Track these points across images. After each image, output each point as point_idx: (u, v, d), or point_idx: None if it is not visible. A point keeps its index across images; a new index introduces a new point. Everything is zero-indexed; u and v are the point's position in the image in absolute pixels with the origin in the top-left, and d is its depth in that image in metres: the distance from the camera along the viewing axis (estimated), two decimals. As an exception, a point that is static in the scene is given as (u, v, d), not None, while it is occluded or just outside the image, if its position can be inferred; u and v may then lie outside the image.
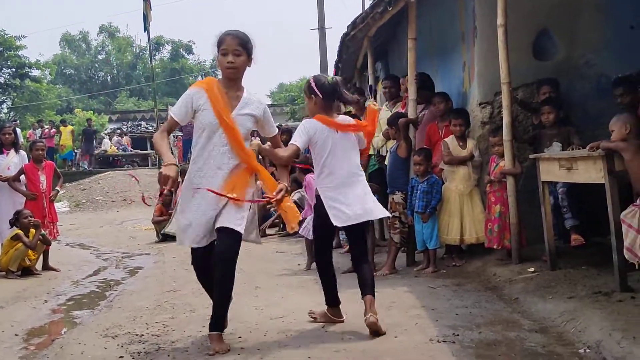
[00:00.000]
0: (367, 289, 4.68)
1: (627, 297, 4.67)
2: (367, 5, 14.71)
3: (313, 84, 4.83)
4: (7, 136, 9.29)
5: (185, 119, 4.55)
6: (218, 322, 4.46)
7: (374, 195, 5.11)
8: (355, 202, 4.74)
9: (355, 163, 4.91)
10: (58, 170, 9.62)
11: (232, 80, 4.49)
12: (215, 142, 4.44)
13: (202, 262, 4.59)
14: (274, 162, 4.90)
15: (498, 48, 6.39)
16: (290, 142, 4.76)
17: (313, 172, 5.12)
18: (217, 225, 4.38)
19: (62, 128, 27.24)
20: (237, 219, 4.40)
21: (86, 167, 26.76)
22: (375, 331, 4.50)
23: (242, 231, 4.40)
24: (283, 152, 4.75)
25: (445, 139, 7.22)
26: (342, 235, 9.05)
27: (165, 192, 11.34)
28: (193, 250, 4.58)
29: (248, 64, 4.50)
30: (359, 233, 4.91)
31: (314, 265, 7.67)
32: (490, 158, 6.95)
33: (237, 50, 4.38)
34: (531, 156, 6.38)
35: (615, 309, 4.44)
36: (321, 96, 4.79)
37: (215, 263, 4.38)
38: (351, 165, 4.86)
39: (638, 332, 3.89)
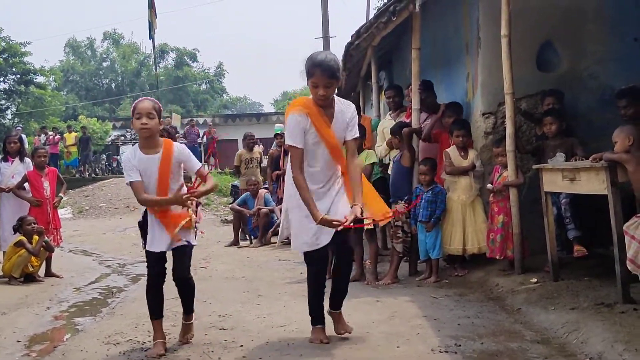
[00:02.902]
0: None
1: (630, 309, 4.66)
2: (371, 15, 14.76)
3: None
4: (12, 145, 9.31)
5: (303, 142, 4.60)
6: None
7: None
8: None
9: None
10: (61, 176, 9.63)
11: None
12: (320, 157, 4.65)
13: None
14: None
15: (502, 59, 6.41)
16: (354, 138, 4.76)
17: None
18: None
19: (66, 135, 27.33)
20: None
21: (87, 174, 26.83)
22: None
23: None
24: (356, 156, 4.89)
25: (447, 149, 7.23)
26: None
27: None
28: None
29: (337, 86, 4.67)
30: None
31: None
32: (494, 168, 6.96)
33: (329, 82, 4.48)
34: (534, 167, 6.39)
35: (617, 321, 4.43)
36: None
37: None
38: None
39: (640, 344, 3.89)
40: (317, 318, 4.76)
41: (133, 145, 4.90)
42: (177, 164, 4.70)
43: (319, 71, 4.45)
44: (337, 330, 4.78)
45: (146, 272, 4.85)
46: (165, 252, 4.77)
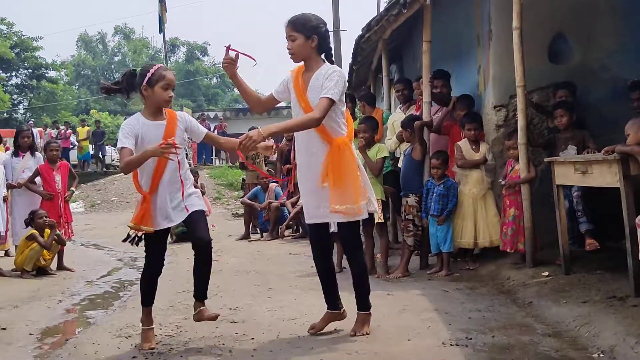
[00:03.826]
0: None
1: (642, 302, 4.64)
2: (382, 8, 14.72)
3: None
4: (25, 139, 9.37)
5: (283, 97, 4.79)
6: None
7: (389, 197, 5.09)
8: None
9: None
10: (73, 170, 9.67)
11: (305, 63, 4.59)
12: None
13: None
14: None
15: (513, 51, 6.37)
16: (321, 97, 4.41)
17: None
18: None
19: (79, 129, 27.44)
20: None
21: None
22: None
23: None
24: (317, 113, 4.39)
25: (458, 143, 7.21)
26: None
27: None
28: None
29: (309, 44, 4.50)
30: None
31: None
32: (507, 161, 6.93)
33: (291, 35, 4.48)
34: (546, 160, 6.36)
35: (629, 314, 4.41)
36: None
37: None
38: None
39: (652, 337, 3.87)
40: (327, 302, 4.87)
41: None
42: (182, 131, 4.63)
43: (285, 24, 4.53)
44: (351, 330, 4.67)
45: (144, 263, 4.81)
46: (166, 242, 4.79)
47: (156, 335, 4.88)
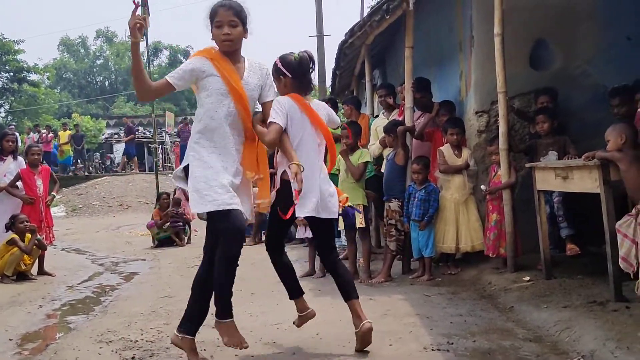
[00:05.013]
0: (351, 292, 4.49)
1: (622, 307, 4.67)
2: (365, 13, 14.75)
3: (280, 64, 4.51)
4: (10, 143, 9.29)
5: (182, 85, 4.14)
6: None
7: (370, 202, 5.06)
8: (319, 196, 4.47)
9: (322, 163, 4.63)
10: (54, 174, 9.60)
11: (230, 54, 4.23)
12: (224, 112, 4.17)
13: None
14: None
15: (495, 57, 6.41)
16: (269, 121, 4.29)
17: None
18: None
19: (60, 133, 27.26)
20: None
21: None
22: (368, 341, 4.35)
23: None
24: (267, 134, 4.26)
25: (441, 148, 7.24)
26: (340, 242, 9.07)
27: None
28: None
29: (244, 35, 4.25)
30: (326, 228, 4.65)
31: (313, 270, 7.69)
32: (490, 167, 6.96)
33: (232, 21, 4.15)
34: (527, 165, 6.40)
35: (609, 319, 4.44)
36: (290, 75, 4.49)
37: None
38: (320, 162, 4.59)
39: (632, 342, 3.90)
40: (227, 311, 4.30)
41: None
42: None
43: (222, 9, 4.14)
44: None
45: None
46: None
47: (137, 341, 4.85)
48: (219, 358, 4.39)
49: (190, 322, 4.35)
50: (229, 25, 4.14)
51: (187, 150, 4.29)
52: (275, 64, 4.57)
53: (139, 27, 3.92)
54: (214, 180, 4.07)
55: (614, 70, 7.09)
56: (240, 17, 4.19)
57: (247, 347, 4.21)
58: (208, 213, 4.14)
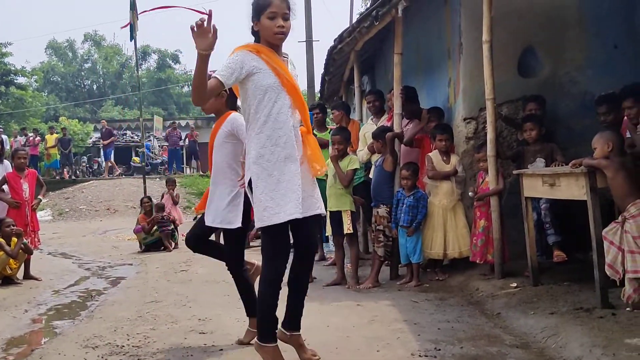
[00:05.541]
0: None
1: (608, 314, 4.69)
2: (354, 20, 14.78)
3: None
4: None
5: (233, 82, 3.88)
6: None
7: (358, 208, 5.02)
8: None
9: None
10: (41, 178, 9.55)
11: (277, 47, 4.04)
12: (281, 106, 3.95)
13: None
14: None
15: (483, 64, 6.43)
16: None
17: None
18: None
19: (47, 136, 27.12)
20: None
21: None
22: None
23: None
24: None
25: (429, 154, 7.26)
26: (328, 248, 9.06)
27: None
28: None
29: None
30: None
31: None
32: (478, 174, 6.98)
33: (286, 13, 3.94)
34: (514, 172, 6.42)
35: (596, 325, 4.46)
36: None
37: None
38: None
39: (618, 348, 3.92)
40: (272, 334, 4.10)
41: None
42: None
43: (277, 0, 3.91)
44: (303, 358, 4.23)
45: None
46: None
47: (123, 346, 4.83)
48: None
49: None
50: (283, 17, 3.94)
51: (251, 160, 4.00)
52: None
53: (212, 40, 3.66)
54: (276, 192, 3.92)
55: (601, 78, 7.14)
56: (292, 10, 4.02)
57: None
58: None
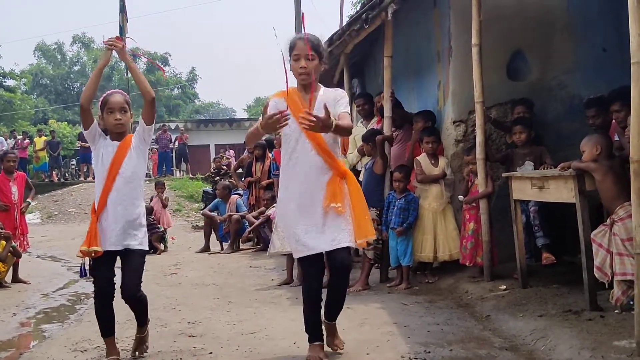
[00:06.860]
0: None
1: (597, 316, 4.71)
2: (344, 23, 14.78)
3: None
4: None
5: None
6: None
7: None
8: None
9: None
10: (30, 181, 9.52)
11: (307, 85, 4.40)
12: (300, 150, 4.34)
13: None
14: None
15: (472, 67, 6.46)
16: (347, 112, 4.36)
17: None
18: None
19: (36, 139, 27.00)
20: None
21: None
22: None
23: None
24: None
25: (417, 157, 7.27)
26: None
27: None
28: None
29: (321, 67, 4.41)
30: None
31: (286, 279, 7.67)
32: (466, 177, 7.00)
33: (310, 54, 4.27)
34: (503, 175, 6.44)
35: (584, 328, 4.48)
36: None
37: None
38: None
39: (606, 350, 3.93)
40: (314, 335, 4.40)
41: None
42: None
43: (300, 42, 4.27)
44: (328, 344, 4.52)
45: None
46: (113, 265, 4.48)
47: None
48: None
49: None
50: (306, 58, 4.27)
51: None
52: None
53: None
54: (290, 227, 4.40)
55: (589, 82, 7.18)
56: (317, 51, 4.32)
57: None
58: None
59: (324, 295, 4.45)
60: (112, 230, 4.38)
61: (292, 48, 4.33)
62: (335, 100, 4.37)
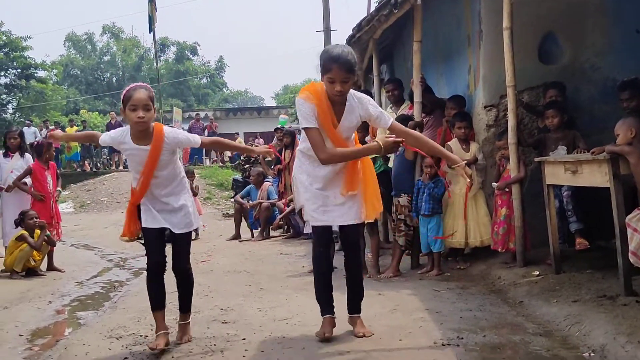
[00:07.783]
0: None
1: (632, 301, 4.66)
2: (372, 8, 14.71)
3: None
4: (12, 140, 9.34)
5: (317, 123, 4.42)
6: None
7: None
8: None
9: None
10: (57, 170, 9.63)
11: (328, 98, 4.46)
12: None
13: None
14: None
15: (504, 51, 6.39)
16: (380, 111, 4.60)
17: None
18: None
19: (68, 129, 27.29)
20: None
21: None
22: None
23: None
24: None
25: (449, 142, 7.22)
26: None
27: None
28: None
29: (354, 84, 4.51)
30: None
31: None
32: (498, 162, 6.94)
33: (346, 77, 4.30)
34: (536, 159, 6.38)
35: (619, 313, 4.43)
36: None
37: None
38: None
39: (643, 336, 3.89)
40: (323, 307, 4.68)
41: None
42: (169, 153, 4.53)
43: (336, 66, 4.26)
44: (355, 333, 4.64)
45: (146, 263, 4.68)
46: (164, 236, 4.61)
47: (147, 336, 4.86)
48: (229, 353, 4.39)
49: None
50: (341, 82, 4.31)
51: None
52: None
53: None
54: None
55: (623, 64, 7.08)
56: (352, 72, 4.34)
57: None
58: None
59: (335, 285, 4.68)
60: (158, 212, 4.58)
61: (326, 69, 4.34)
62: (360, 103, 4.51)
